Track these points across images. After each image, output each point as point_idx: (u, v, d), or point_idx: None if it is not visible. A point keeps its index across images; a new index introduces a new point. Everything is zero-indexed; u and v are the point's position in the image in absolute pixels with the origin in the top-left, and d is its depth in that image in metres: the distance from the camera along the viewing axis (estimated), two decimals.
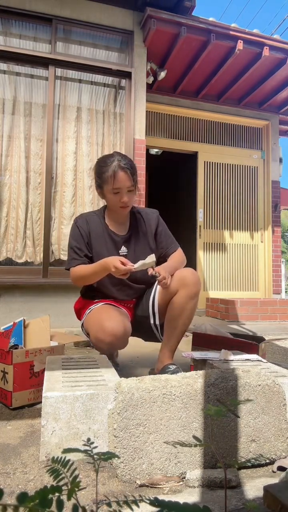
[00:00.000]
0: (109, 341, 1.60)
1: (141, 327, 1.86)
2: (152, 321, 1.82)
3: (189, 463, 1.03)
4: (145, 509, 0.68)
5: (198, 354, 1.65)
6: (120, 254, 1.80)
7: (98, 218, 1.85)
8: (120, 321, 1.63)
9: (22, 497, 0.44)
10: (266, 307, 4.45)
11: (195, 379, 1.11)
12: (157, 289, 1.81)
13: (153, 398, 1.03)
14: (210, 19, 4.14)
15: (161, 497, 0.67)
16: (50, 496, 0.46)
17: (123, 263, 1.55)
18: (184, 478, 1.00)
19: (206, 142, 5.39)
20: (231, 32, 4.07)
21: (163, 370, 1.68)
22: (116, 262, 1.55)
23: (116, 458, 0.96)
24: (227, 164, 5.46)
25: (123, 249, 1.83)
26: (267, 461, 1.08)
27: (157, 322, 1.82)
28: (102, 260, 1.63)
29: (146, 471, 1.00)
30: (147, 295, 1.86)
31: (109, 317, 1.64)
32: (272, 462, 1.09)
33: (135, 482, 0.98)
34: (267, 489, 0.81)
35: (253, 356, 1.65)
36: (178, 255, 1.90)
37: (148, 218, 1.90)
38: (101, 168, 1.73)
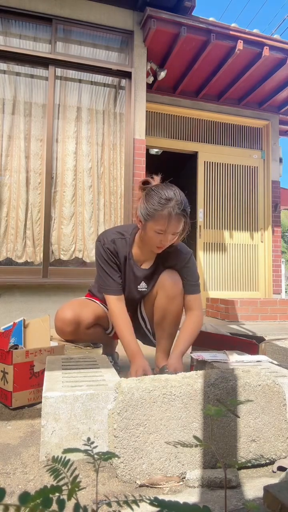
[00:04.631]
0: (59, 326, 1.76)
1: (137, 332, 1.91)
2: (143, 326, 1.89)
3: (189, 463, 1.03)
4: (145, 509, 0.68)
5: (208, 356, 1.64)
6: (139, 289, 1.76)
7: (126, 244, 1.70)
8: (73, 310, 1.75)
9: (24, 497, 0.44)
10: (266, 307, 4.45)
11: (195, 379, 1.11)
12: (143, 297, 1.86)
13: (153, 398, 1.03)
14: (210, 19, 4.14)
15: (161, 497, 0.67)
16: (50, 496, 0.46)
17: (145, 373, 1.49)
18: (184, 478, 1.00)
19: (206, 142, 5.39)
20: (231, 32, 4.07)
21: (162, 371, 1.68)
22: (139, 372, 1.49)
23: (116, 458, 0.96)
24: (227, 164, 5.46)
25: (143, 285, 1.77)
26: (267, 461, 1.08)
27: (148, 326, 1.89)
28: (133, 354, 1.57)
29: (146, 471, 1.00)
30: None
31: (67, 306, 1.77)
32: (272, 462, 1.09)
33: (135, 482, 0.98)
34: (267, 489, 0.81)
35: (263, 357, 1.64)
36: (193, 322, 1.72)
37: (177, 256, 1.73)
38: (157, 204, 1.53)
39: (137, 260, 1.73)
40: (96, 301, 1.90)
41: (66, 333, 1.80)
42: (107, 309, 1.77)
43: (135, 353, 1.57)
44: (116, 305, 1.66)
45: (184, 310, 1.77)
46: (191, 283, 1.74)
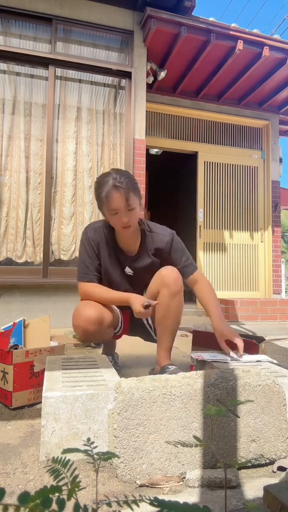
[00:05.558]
0: (83, 326, 1.70)
1: (139, 328, 1.93)
2: (145, 321, 1.90)
3: (189, 463, 1.03)
4: (145, 509, 0.68)
5: (208, 356, 1.64)
6: (126, 273, 1.81)
7: (109, 232, 1.78)
8: (96, 309, 1.72)
9: (24, 497, 0.44)
10: (266, 307, 4.45)
11: (195, 379, 1.11)
12: (143, 293, 1.87)
13: (153, 398, 1.03)
14: (210, 19, 4.14)
15: (161, 497, 0.67)
16: (50, 496, 0.46)
17: (145, 306, 1.59)
18: (184, 478, 1.00)
19: (206, 142, 5.39)
20: (231, 32, 4.07)
21: (163, 370, 1.68)
22: (139, 305, 1.60)
23: (116, 458, 0.96)
24: (227, 164, 5.46)
25: (128, 270, 1.81)
26: (267, 461, 1.08)
27: (150, 322, 1.90)
28: (126, 295, 1.67)
29: (146, 471, 1.00)
30: None
31: (87, 305, 1.74)
32: (272, 462, 1.09)
33: (135, 482, 0.98)
34: (267, 489, 0.81)
35: (263, 357, 1.64)
36: (206, 286, 1.81)
37: (159, 240, 1.80)
38: (97, 189, 1.66)
39: (122, 246, 1.80)
40: None
41: (89, 333, 1.72)
42: (117, 307, 1.83)
43: (128, 294, 1.66)
44: (89, 285, 1.74)
45: (191, 286, 1.83)
46: (185, 264, 1.81)
